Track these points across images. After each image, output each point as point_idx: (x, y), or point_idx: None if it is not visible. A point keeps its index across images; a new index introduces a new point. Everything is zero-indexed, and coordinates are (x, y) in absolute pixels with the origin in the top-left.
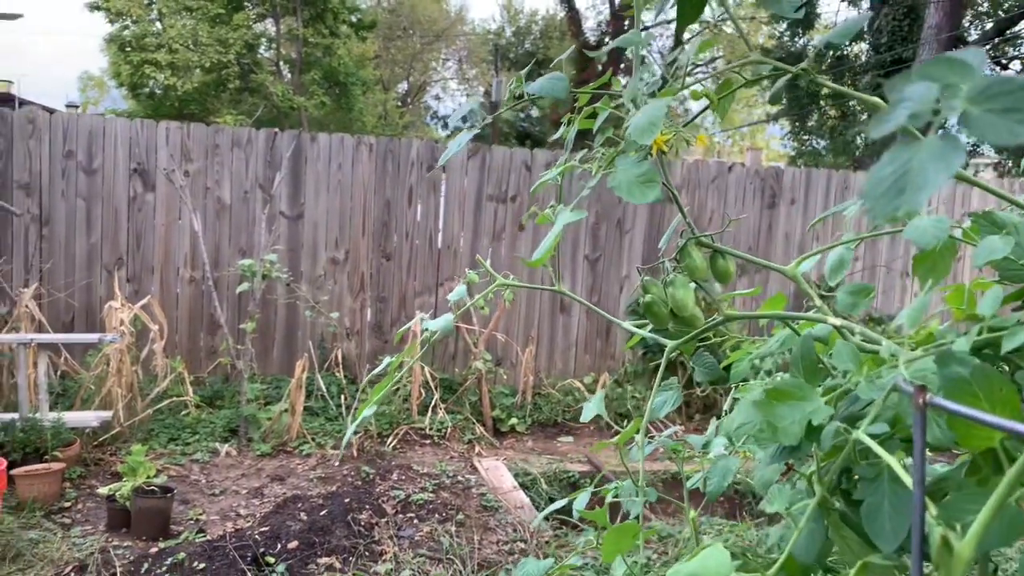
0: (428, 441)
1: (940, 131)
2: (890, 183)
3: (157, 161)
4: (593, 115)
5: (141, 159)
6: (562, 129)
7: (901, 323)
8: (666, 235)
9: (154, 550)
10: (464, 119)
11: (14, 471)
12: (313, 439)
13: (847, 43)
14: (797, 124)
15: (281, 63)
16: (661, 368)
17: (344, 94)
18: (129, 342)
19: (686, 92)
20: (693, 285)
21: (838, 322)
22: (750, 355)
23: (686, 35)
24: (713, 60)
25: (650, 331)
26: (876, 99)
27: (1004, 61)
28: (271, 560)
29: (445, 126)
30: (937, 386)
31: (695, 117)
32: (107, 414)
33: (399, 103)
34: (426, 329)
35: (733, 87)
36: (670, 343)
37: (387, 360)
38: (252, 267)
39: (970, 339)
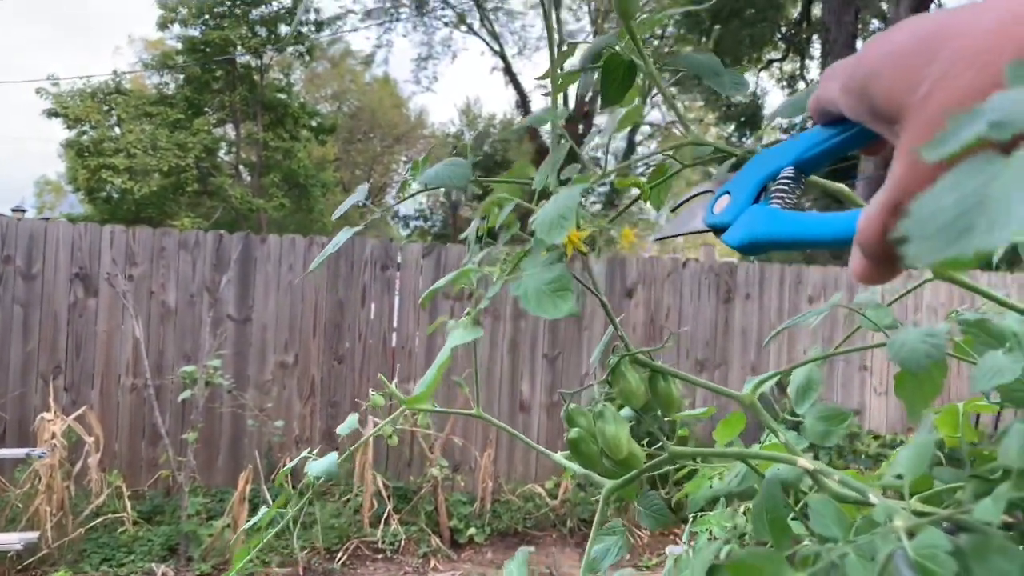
0: (380, 556)
1: None
2: (952, 216)
3: (100, 265)
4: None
5: (84, 263)
6: (473, 225)
7: (900, 473)
8: (596, 351)
9: None
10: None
11: None
12: (258, 556)
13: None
14: None
15: (241, 166)
16: (599, 512)
17: (304, 196)
18: (62, 456)
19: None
20: (629, 412)
21: (811, 465)
22: (707, 482)
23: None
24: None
25: (583, 467)
26: (839, 185)
27: None
28: None
29: (406, 225)
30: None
31: (625, 208)
32: (33, 535)
33: (360, 203)
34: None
35: (668, 173)
36: (607, 484)
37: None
38: (193, 374)
39: (1000, 503)
